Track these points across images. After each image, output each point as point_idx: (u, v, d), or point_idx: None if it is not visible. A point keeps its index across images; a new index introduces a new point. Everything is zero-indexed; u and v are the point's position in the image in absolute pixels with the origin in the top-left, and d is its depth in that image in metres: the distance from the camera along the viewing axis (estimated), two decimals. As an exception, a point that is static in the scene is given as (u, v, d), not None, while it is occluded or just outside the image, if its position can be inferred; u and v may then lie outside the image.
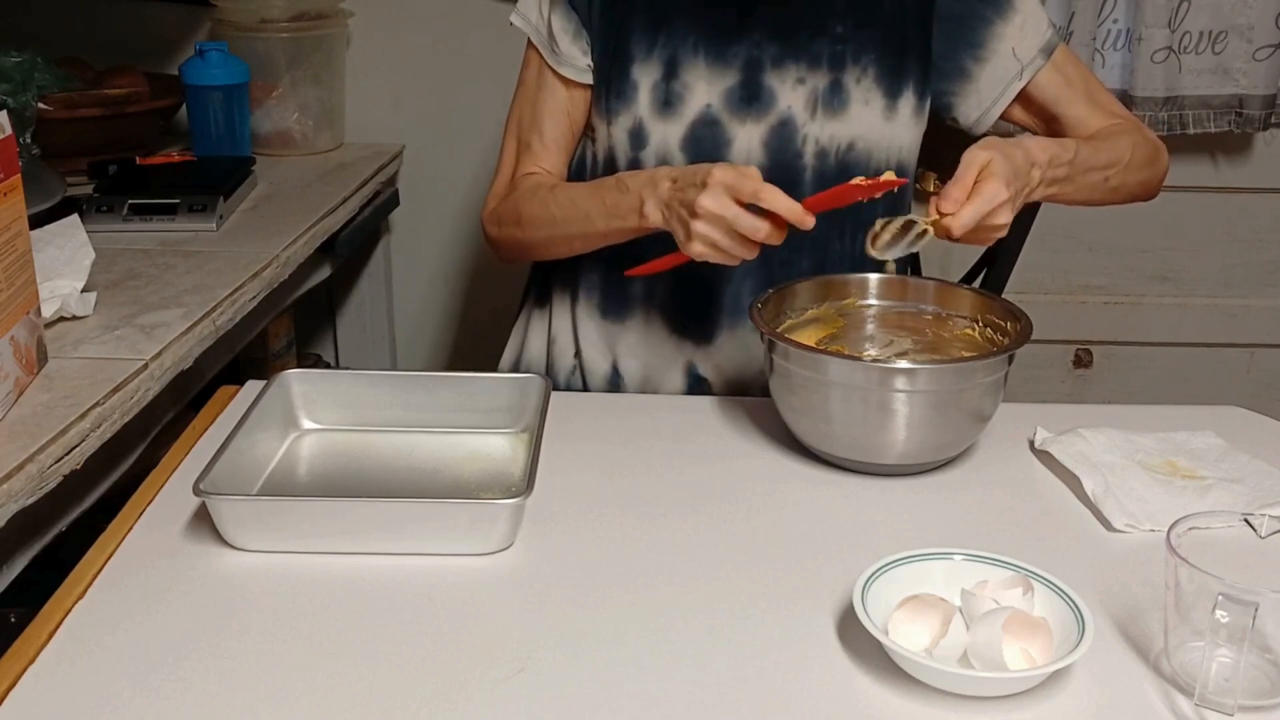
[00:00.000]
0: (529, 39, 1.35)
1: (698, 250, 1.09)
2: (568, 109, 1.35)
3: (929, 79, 1.30)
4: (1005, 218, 1.08)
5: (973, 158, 1.08)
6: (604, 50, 1.30)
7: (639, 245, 1.24)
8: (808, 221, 1.07)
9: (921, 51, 1.29)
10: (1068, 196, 1.21)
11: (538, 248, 1.33)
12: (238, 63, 1.93)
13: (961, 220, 1.06)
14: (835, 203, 1.09)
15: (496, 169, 1.40)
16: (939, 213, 1.07)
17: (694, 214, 1.08)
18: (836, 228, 1.31)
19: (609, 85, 1.30)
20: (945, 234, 1.07)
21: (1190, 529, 0.82)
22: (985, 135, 1.24)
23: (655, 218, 1.14)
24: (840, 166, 1.30)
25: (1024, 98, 1.33)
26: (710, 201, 1.07)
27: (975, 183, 1.07)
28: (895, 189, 1.10)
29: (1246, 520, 0.84)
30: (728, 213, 1.06)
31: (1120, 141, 1.27)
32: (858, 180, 1.09)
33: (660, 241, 1.17)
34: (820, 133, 1.29)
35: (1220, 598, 0.74)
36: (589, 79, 1.32)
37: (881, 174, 1.30)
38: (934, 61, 1.30)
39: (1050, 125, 1.35)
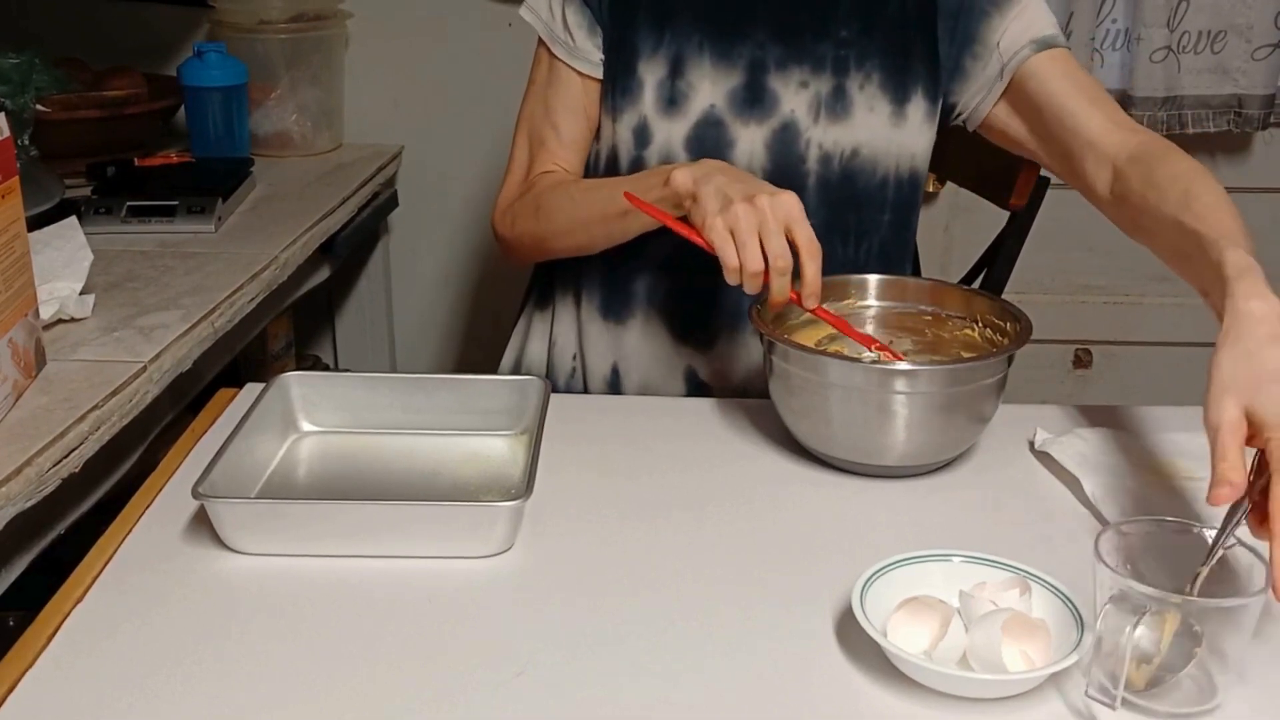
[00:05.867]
0: (539, 38, 1.35)
1: (719, 224, 1.05)
2: (583, 104, 1.34)
3: (939, 82, 1.29)
4: None
5: (1220, 419, 0.83)
6: (610, 46, 1.30)
7: (644, 245, 1.24)
8: (809, 301, 1.09)
9: (928, 55, 1.28)
10: None
11: (552, 239, 1.30)
12: (236, 64, 1.93)
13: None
14: (838, 325, 1.13)
15: (507, 169, 1.38)
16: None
17: (747, 198, 1.05)
18: (839, 232, 1.31)
19: (615, 82, 1.30)
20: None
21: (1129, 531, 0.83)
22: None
23: (683, 181, 1.09)
24: (844, 173, 1.29)
25: (1016, 95, 1.28)
26: (770, 202, 1.05)
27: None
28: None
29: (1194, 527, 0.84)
30: (774, 223, 1.05)
31: (1208, 187, 1.11)
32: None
33: (662, 236, 1.16)
34: (824, 138, 1.28)
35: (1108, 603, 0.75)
36: (601, 74, 1.32)
37: (886, 182, 1.30)
38: (941, 63, 1.28)
39: (1045, 126, 1.27)
